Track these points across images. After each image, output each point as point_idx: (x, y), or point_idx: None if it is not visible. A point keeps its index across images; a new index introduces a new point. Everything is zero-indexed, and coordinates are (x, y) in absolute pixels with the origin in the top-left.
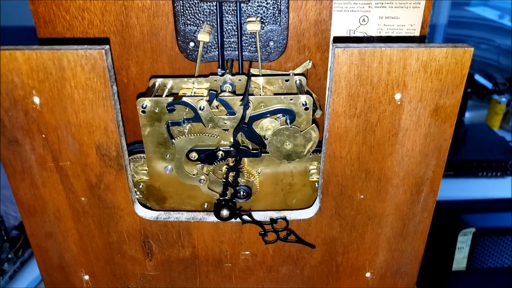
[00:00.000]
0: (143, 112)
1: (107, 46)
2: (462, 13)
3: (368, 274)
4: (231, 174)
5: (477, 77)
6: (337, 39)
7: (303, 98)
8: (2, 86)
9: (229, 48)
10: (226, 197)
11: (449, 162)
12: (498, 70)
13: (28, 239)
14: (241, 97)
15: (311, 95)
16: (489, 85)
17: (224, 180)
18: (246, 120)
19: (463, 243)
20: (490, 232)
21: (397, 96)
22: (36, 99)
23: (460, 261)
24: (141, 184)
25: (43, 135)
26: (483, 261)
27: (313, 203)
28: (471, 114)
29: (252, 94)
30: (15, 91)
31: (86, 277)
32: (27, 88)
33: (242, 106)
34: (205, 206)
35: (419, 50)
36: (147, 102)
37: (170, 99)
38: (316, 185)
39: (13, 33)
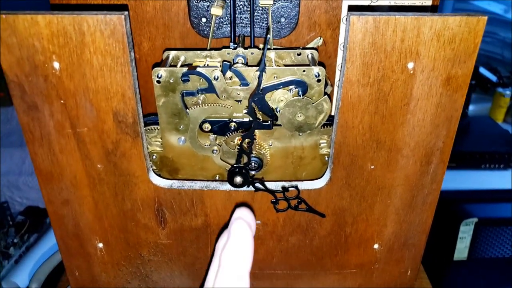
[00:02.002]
0: (158, 82)
1: (126, 12)
2: (467, 6)
3: (376, 246)
4: (245, 141)
5: (482, 70)
6: (352, 8)
7: (316, 69)
8: (23, 50)
9: (241, 24)
10: (240, 164)
11: (451, 154)
12: (502, 63)
13: (32, 225)
14: (255, 67)
15: (324, 67)
16: (493, 78)
17: (238, 149)
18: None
19: (465, 233)
20: (492, 223)
21: (410, 65)
22: (56, 64)
23: (461, 251)
24: (155, 155)
25: (62, 101)
26: (485, 251)
27: (324, 174)
28: (474, 107)
29: (265, 65)
30: (35, 56)
31: (100, 244)
32: (48, 53)
33: (256, 77)
34: (217, 177)
35: (433, 19)
36: (162, 72)
37: (185, 69)
38: (326, 158)
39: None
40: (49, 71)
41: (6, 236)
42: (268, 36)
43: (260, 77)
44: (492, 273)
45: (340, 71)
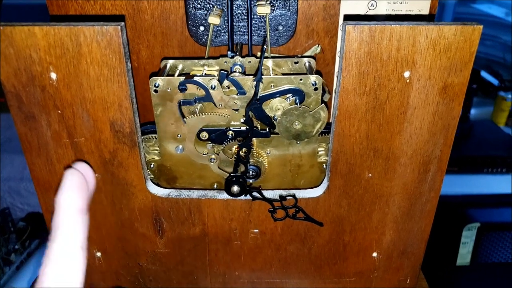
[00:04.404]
0: (156, 91)
1: (123, 23)
2: (468, 9)
3: (375, 254)
4: (243, 150)
5: (483, 73)
6: (348, 17)
7: (313, 78)
8: (20, 61)
9: (238, 32)
10: (237, 174)
11: (453, 158)
12: (504, 67)
13: (34, 231)
14: (252, 76)
15: (321, 75)
16: (495, 81)
17: (235, 157)
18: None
19: (468, 238)
20: (494, 227)
21: (406, 74)
22: (53, 75)
23: (464, 256)
24: (153, 163)
25: (59, 111)
26: (488, 256)
27: (321, 183)
28: (476, 111)
29: (262, 74)
30: (32, 66)
31: (98, 254)
32: (45, 64)
33: (253, 86)
34: (215, 186)
35: (428, 28)
36: (159, 81)
37: (182, 78)
38: (324, 166)
39: (16, 10)
40: (46, 82)
41: (7, 242)
42: (265, 46)
43: (256, 87)
44: (495, 278)
45: (336, 79)
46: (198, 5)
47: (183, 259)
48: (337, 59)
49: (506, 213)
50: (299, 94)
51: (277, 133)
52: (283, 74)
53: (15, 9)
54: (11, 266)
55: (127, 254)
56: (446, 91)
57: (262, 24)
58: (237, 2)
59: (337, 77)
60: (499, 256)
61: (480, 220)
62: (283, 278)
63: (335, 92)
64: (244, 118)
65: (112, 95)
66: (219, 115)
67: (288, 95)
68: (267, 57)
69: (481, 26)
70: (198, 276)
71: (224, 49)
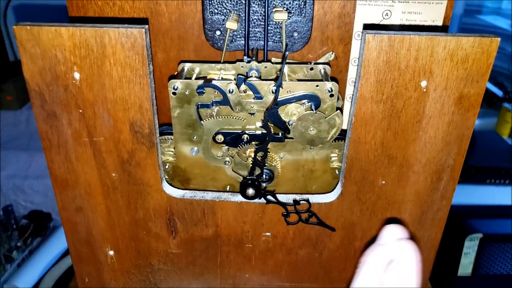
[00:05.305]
0: (174, 94)
1: (147, 26)
2: (474, 20)
3: None
4: (259, 154)
5: (488, 84)
6: (367, 27)
7: (329, 84)
8: (45, 61)
9: (254, 38)
10: (252, 177)
11: None
12: (509, 78)
13: (36, 229)
14: (269, 81)
15: (337, 82)
16: (499, 93)
17: (252, 161)
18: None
19: (470, 248)
20: (497, 239)
21: (423, 83)
22: (77, 75)
23: (466, 266)
24: (168, 164)
25: (80, 110)
26: (489, 267)
27: (334, 188)
28: (480, 122)
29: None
30: (57, 66)
31: (111, 252)
32: (69, 64)
33: (270, 91)
34: (228, 188)
35: (446, 39)
36: (178, 84)
37: (201, 81)
38: (337, 172)
39: (32, 10)
40: (70, 81)
41: (9, 239)
42: (286, 53)
43: (276, 93)
44: None
45: (354, 87)
46: (215, 10)
47: (195, 260)
48: (350, 66)
49: (509, 225)
50: (315, 100)
51: (291, 138)
52: (299, 80)
53: (30, 9)
54: (13, 264)
55: (139, 253)
56: (462, 101)
57: (277, 30)
58: (253, 8)
59: (355, 84)
60: (500, 267)
61: (482, 231)
62: (293, 282)
63: (351, 99)
64: (262, 123)
65: (133, 96)
66: (235, 118)
67: (304, 101)
68: (286, 62)
69: (499, 39)
70: (209, 277)
71: (240, 53)
